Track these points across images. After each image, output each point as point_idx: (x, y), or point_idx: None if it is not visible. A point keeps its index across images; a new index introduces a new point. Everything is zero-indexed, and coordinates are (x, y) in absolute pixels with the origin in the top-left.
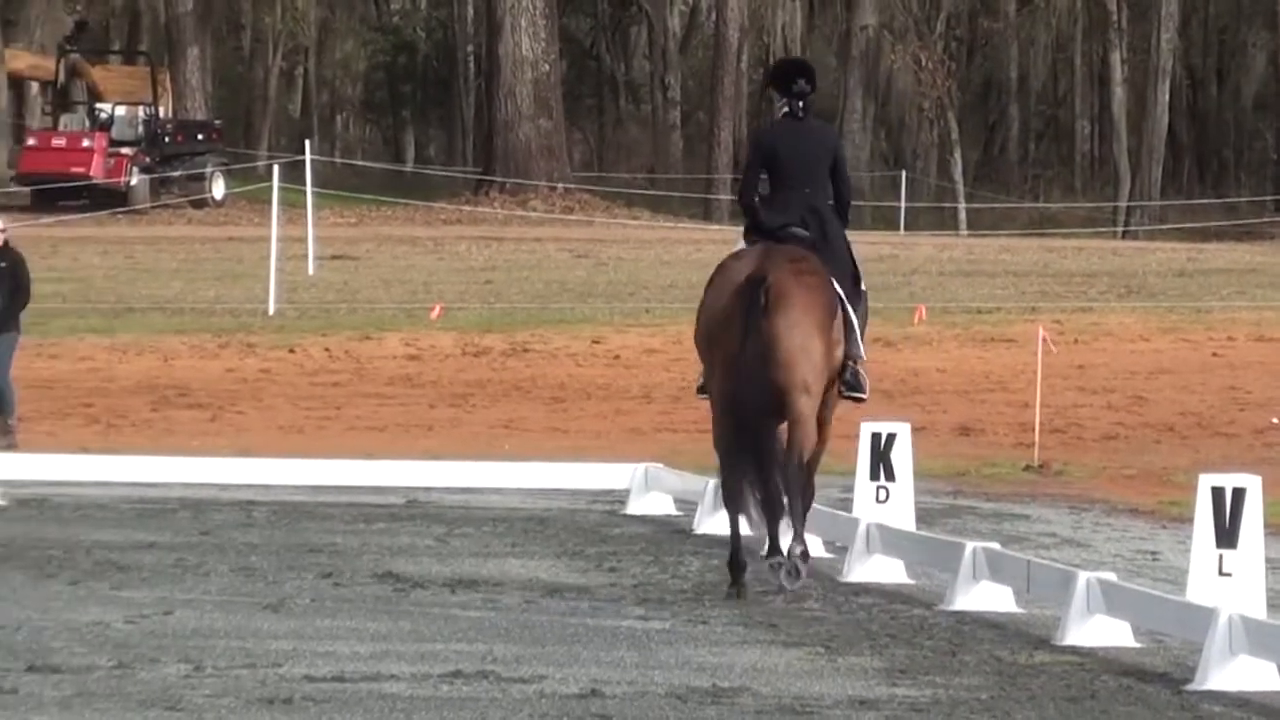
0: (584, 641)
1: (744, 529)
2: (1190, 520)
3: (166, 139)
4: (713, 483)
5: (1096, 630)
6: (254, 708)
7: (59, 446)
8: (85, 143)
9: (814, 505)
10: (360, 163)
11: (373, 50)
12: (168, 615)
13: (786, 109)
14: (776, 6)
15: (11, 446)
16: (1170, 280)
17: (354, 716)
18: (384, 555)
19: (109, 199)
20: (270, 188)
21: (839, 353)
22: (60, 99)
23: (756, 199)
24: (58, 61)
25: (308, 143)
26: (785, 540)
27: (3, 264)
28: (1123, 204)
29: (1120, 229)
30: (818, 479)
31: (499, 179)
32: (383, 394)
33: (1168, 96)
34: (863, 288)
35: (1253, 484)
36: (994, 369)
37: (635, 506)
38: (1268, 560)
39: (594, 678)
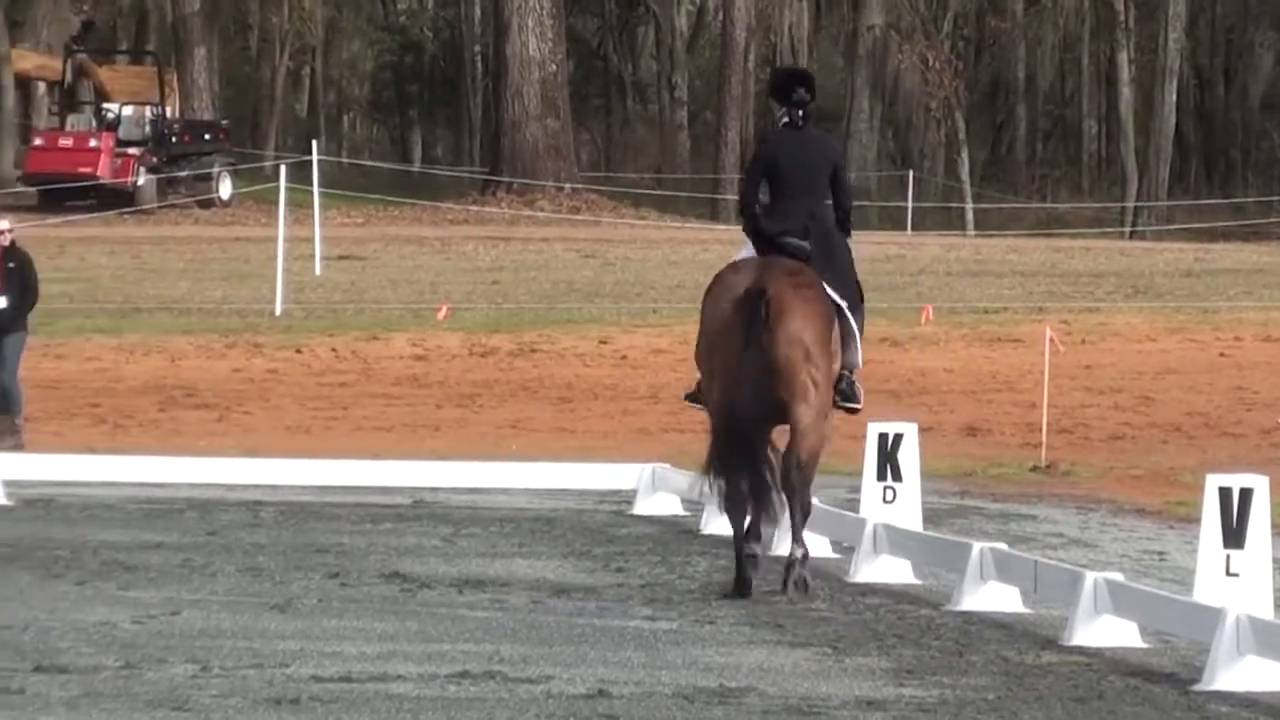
0: (591, 642)
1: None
2: (1197, 520)
3: (173, 139)
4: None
5: (1104, 630)
6: (261, 708)
7: (66, 447)
8: (92, 143)
9: (822, 505)
10: (367, 163)
11: (380, 50)
12: (175, 615)
13: (786, 118)
14: (784, 6)
15: (19, 447)
16: (1177, 280)
17: (361, 717)
18: (391, 555)
19: (116, 199)
20: (277, 188)
21: (837, 364)
22: (67, 99)
23: (756, 206)
24: (65, 61)
25: (315, 143)
26: (784, 547)
27: (10, 264)
28: (1130, 204)
29: (1127, 229)
30: (822, 479)
31: (506, 179)
32: (390, 394)
33: (1175, 96)
34: (860, 296)
35: (1260, 484)
36: (1001, 369)
37: (642, 507)
38: (1275, 560)
39: (601, 678)
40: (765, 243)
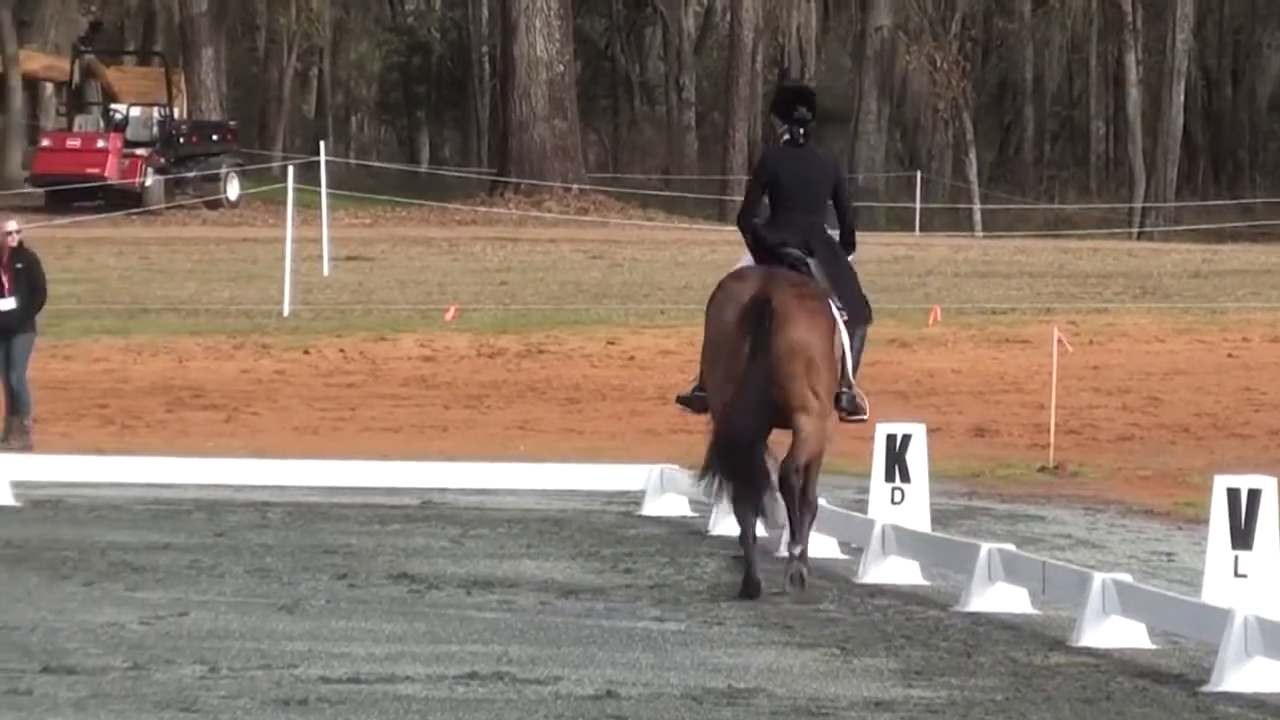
0: (599, 643)
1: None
2: (1205, 521)
3: (181, 140)
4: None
5: (1112, 631)
6: (269, 709)
7: (74, 448)
8: (100, 144)
9: (830, 506)
10: (375, 164)
11: (387, 51)
12: (183, 616)
13: (787, 135)
14: (791, 7)
15: (27, 448)
16: (1185, 281)
17: (369, 718)
18: (399, 556)
19: (124, 200)
20: (285, 189)
21: (836, 372)
22: (75, 100)
23: (755, 221)
24: (72, 62)
25: (322, 144)
26: (784, 548)
27: (18, 265)
28: (1138, 205)
29: (1135, 230)
30: (830, 479)
31: (514, 180)
32: (397, 395)
33: (1183, 97)
34: (867, 311)
35: (1268, 485)
36: (1009, 370)
37: (650, 508)
38: None
39: (609, 679)
40: (765, 253)
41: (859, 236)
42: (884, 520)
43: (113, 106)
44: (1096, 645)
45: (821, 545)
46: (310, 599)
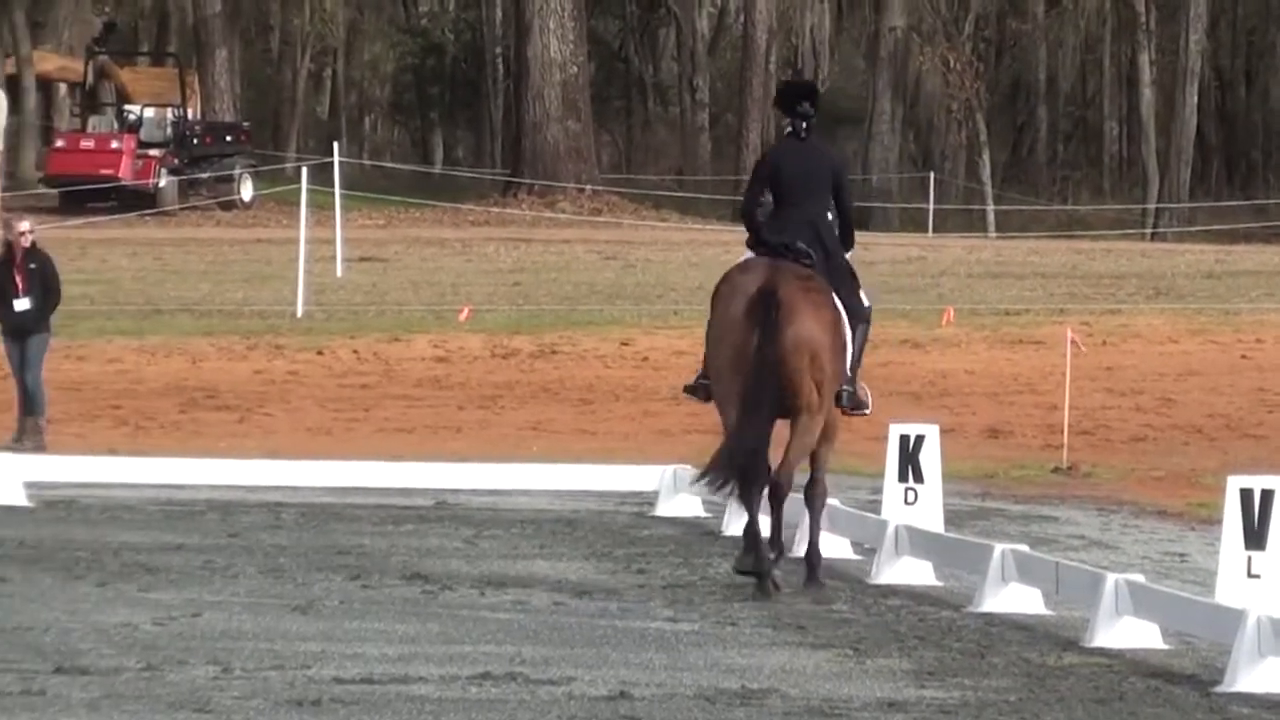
0: (612, 643)
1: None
2: (1219, 522)
3: (195, 141)
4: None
5: (1125, 632)
6: (282, 709)
7: (87, 448)
8: (114, 144)
9: (843, 507)
10: (388, 164)
11: (401, 52)
12: (196, 617)
13: (790, 129)
14: (805, 8)
15: (40, 448)
16: (1199, 282)
17: (382, 718)
18: (412, 557)
19: (137, 201)
20: (298, 189)
21: (840, 364)
22: (88, 101)
23: (758, 214)
24: (86, 63)
25: (336, 144)
26: (800, 547)
27: (31, 265)
28: (1151, 206)
29: (1149, 231)
30: (844, 480)
31: (527, 181)
32: (411, 396)
33: (1196, 98)
34: (866, 304)
35: None
36: (1022, 371)
37: (664, 508)
38: None
39: (622, 679)
40: (767, 249)
41: (869, 236)
42: (897, 521)
43: (126, 107)
44: (1110, 646)
45: (835, 546)
46: (323, 600)
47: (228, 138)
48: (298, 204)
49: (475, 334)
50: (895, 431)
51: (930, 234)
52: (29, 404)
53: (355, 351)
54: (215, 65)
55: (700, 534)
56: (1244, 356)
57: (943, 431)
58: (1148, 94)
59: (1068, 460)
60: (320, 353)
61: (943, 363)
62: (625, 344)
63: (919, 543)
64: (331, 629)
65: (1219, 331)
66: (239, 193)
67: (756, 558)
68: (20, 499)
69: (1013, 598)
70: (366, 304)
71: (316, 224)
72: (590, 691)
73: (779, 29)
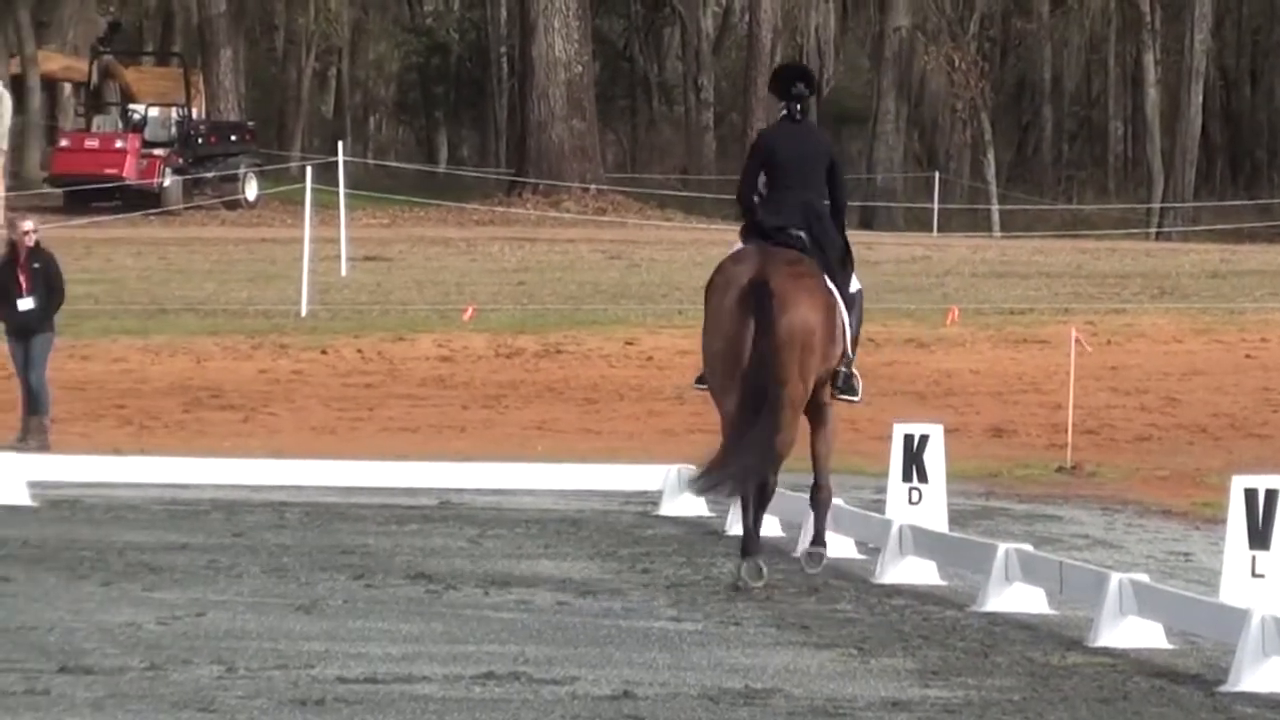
0: (616, 643)
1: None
2: (1223, 522)
3: (199, 140)
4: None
5: (1129, 632)
6: (286, 709)
7: (92, 448)
8: (118, 144)
9: (848, 506)
10: (393, 164)
11: (406, 51)
12: (200, 616)
13: (785, 111)
14: (810, 8)
15: (45, 447)
16: (1203, 281)
17: (386, 718)
18: (417, 556)
19: (142, 200)
20: (303, 189)
21: (838, 348)
22: (93, 100)
23: (755, 198)
24: (91, 63)
25: (340, 144)
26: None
27: (35, 265)
28: (1156, 205)
29: (1153, 230)
30: (848, 479)
31: (532, 180)
32: (415, 395)
33: (1201, 97)
34: (855, 289)
35: None
36: (1027, 370)
37: (668, 508)
38: None
39: (626, 679)
40: (762, 234)
41: (873, 236)
42: (901, 520)
43: (131, 107)
44: (1114, 645)
45: (839, 545)
46: (327, 599)
47: (232, 137)
48: (302, 203)
49: (480, 333)
50: (899, 431)
51: (935, 233)
52: (33, 403)
53: (360, 351)
54: (220, 65)
55: (704, 533)
56: (1249, 356)
57: (947, 431)
58: (1152, 93)
59: (1072, 460)
60: (325, 352)
61: (947, 362)
62: (630, 343)
63: (923, 542)
64: (335, 628)
65: (1224, 331)
66: (244, 192)
67: (759, 569)
68: (24, 498)
69: (1017, 597)
70: (371, 303)
71: (321, 223)
72: (594, 691)
73: (784, 28)
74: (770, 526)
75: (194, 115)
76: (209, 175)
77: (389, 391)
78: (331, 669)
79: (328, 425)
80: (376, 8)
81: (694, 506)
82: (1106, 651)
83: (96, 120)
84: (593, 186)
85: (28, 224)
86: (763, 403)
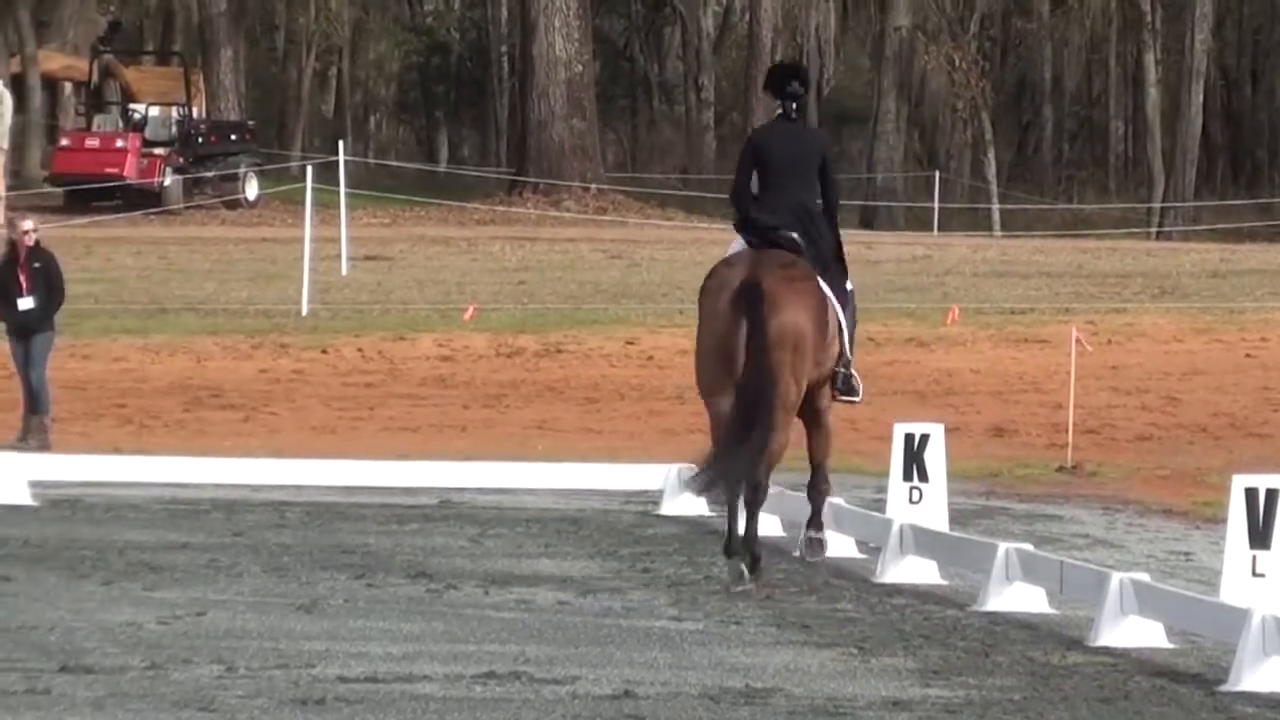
0: (617, 642)
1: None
2: (1223, 521)
3: (200, 140)
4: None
5: (1130, 631)
6: (287, 708)
7: (92, 447)
8: (119, 143)
9: (848, 506)
10: (394, 163)
11: (406, 51)
12: (200, 616)
13: (780, 110)
14: (810, 7)
15: (45, 447)
16: (1204, 281)
17: (387, 717)
18: (417, 556)
19: (142, 200)
20: (304, 188)
21: (833, 350)
22: (94, 100)
23: (747, 197)
24: (91, 62)
25: (341, 143)
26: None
27: (35, 264)
28: (1156, 205)
29: (1154, 230)
30: (849, 478)
31: (532, 179)
32: (416, 395)
33: (1202, 97)
34: (849, 287)
35: None
36: (1027, 370)
37: (668, 507)
38: None
39: (627, 678)
40: (756, 234)
41: (873, 235)
42: (902, 520)
43: (131, 106)
44: (1114, 645)
45: (840, 545)
46: (328, 598)
47: (233, 136)
48: (303, 203)
49: (480, 333)
50: (900, 430)
51: (935, 233)
52: (34, 403)
53: (360, 350)
54: (220, 64)
55: (705, 533)
56: (1249, 355)
57: (947, 430)
58: (1153, 93)
59: (1072, 459)
60: (325, 351)
61: (948, 361)
62: (630, 343)
63: (924, 542)
64: (336, 628)
65: (1224, 330)
66: (244, 192)
67: (741, 572)
68: (25, 498)
69: (1017, 597)
70: (371, 303)
71: (321, 223)
72: (595, 690)
73: (784, 28)
74: (770, 526)
75: (194, 115)
76: (209, 175)
77: (389, 391)
78: (332, 668)
79: (328, 425)
80: (377, 7)
81: (695, 506)
82: (1107, 651)
83: (97, 120)
84: (593, 186)
85: (27, 223)
86: (755, 405)
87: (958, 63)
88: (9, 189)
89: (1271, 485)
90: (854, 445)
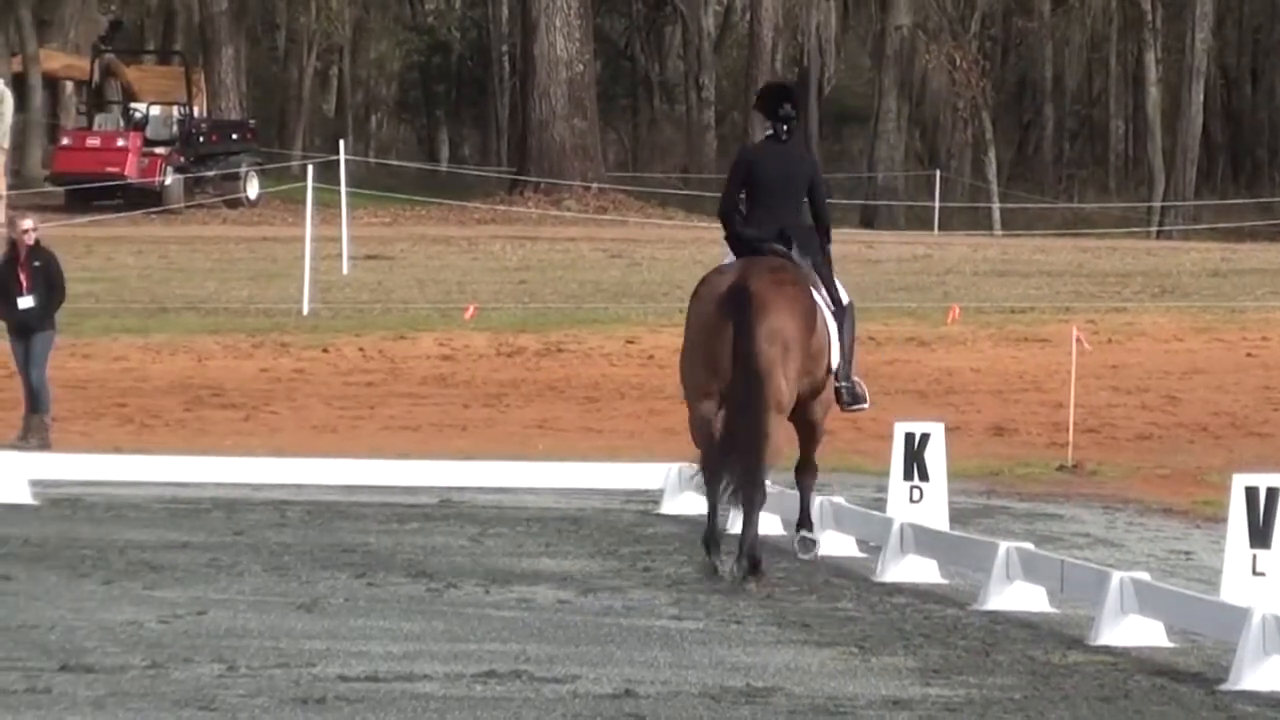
0: (617, 641)
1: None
2: (1224, 520)
3: (201, 139)
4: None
5: (1130, 630)
6: (287, 707)
7: (93, 446)
8: (120, 142)
9: (849, 505)
10: (394, 162)
11: (407, 50)
12: (201, 615)
13: (770, 131)
14: (811, 6)
15: (45, 446)
16: (1204, 280)
17: (387, 716)
18: (417, 555)
19: (143, 199)
20: (304, 187)
21: (823, 360)
22: (95, 99)
23: (736, 215)
24: (92, 61)
25: (342, 142)
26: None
27: (35, 263)
28: (1157, 204)
29: (1154, 229)
30: (849, 477)
31: (533, 179)
32: (416, 394)
33: (1202, 96)
34: (845, 300)
35: None
36: (1028, 369)
37: (669, 506)
38: None
39: (627, 678)
40: (744, 247)
41: (874, 234)
42: (902, 519)
43: (132, 105)
44: (1114, 644)
45: (840, 543)
46: (329, 597)
47: (234, 136)
48: (303, 202)
49: (481, 332)
50: (900, 429)
51: (936, 232)
52: (34, 402)
53: (361, 349)
54: (221, 63)
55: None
56: (1249, 354)
57: (948, 429)
58: (1153, 92)
59: (1073, 458)
60: (326, 350)
61: (948, 360)
62: (631, 342)
63: (924, 541)
64: (336, 627)
65: (1224, 329)
66: (245, 191)
67: (710, 560)
68: (25, 497)
69: (1018, 596)
70: (372, 302)
71: (322, 222)
72: (595, 689)
73: (785, 27)
74: (770, 526)
75: (195, 114)
76: (210, 174)
77: (390, 390)
78: (333, 667)
79: (329, 424)
80: (378, 6)
81: (695, 505)
82: (1107, 650)
83: (98, 119)
84: (594, 185)
85: (27, 222)
86: (747, 405)
87: (958, 62)
88: (10, 188)
89: (1272, 484)
90: (855, 444)
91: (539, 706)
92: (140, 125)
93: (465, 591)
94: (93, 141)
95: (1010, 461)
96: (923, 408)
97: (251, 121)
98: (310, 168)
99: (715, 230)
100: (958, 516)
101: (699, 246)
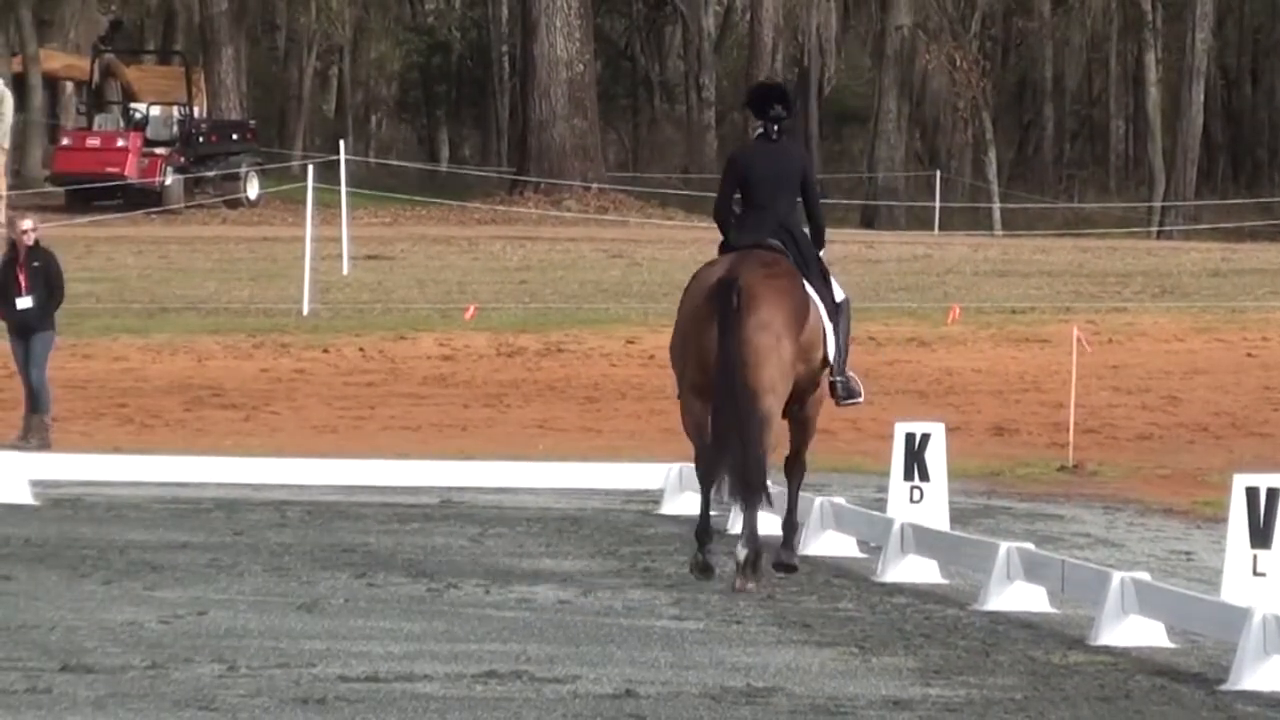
0: (618, 641)
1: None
2: (1224, 520)
3: (201, 139)
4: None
5: (1130, 630)
6: (288, 708)
7: (93, 446)
8: (120, 143)
9: (849, 505)
10: (395, 162)
11: (408, 50)
12: (201, 615)
13: (761, 130)
14: (811, 7)
15: (45, 446)
16: (1205, 280)
17: (388, 716)
18: (418, 555)
19: (143, 199)
20: (305, 188)
21: (817, 352)
22: (95, 99)
23: (729, 217)
24: (92, 61)
25: (342, 143)
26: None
27: (35, 263)
28: (1157, 204)
29: (1155, 229)
30: (849, 477)
31: (533, 179)
32: (417, 394)
33: (1202, 96)
34: (840, 298)
35: None
36: (1028, 369)
37: (669, 506)
38: None
39: (628, 678)
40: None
41: (874, 234)
42: (903, 519)
43: (133, 106)
44: (1115, 644)
45: (840, 544)
46: (329, 598)
47: (234, 136)
48: (304, 202)
49: (481, 332)
50: (901, 429)
51: (936, 232)
52: (34, 402)
53: (361, 349)
54: (221, 63)
55: None
56: (1250, 355)
57: (948, 429)
58: (1154, 92)
59: (1073, 458)
60: (326, 351)
61: (949, 361)
62: (631, 342)
63: (924, 541)
64: (337, 627)
65: (1225, 330)
66: (245, 191)
67: (700, 557)
68: (26, 497)
69: (1018, 596)
70: (372, 302)
71: (322, 222)
72: (596, 690)
73: (785, 27)
74: (770, 525)
75: (195, 114)
76: (210, 174)
77: (390, 390)
78: (333, 667)
79: (329, 424)
80: (378, 7)
81: (695, 505)
82: (1108, 650)
83: (98, 119)
84: (594, 185)
85: (27, 223)
86: (741, 397)
87: (959, 62)
88: (10, 188)
89: (1272, 484)
90: (855, 444)
91: (539, 707)
92: (140, 125)
93: (465, 591)
94: (93, 142)
95: (1011, 462)
96: (923, 408)
97: (252, 122)
98: (310, 168)
99: (715, 230)
100: (958, 517)
101: (699, 247)
